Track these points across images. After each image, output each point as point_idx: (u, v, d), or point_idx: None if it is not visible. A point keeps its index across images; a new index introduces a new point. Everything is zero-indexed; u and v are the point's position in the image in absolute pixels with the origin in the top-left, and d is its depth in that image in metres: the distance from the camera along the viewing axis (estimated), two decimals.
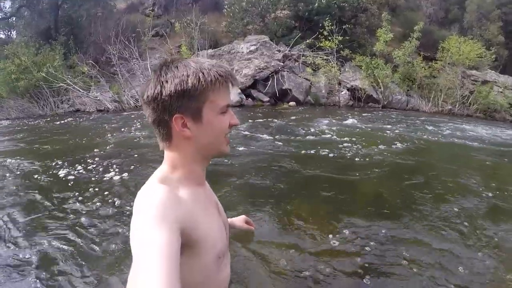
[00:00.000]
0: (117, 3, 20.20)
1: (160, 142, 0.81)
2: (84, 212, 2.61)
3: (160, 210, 0.66)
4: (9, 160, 4.30)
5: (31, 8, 19.20)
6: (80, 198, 2.88)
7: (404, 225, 2.33)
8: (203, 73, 0.74)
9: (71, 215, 2.55)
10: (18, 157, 4.37)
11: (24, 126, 9.41)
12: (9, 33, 21.80)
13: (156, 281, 0.54)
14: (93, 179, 3.40)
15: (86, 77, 14.95)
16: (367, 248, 2.00)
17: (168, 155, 0.82)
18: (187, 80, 0.73)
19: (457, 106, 13.55)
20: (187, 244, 0.68)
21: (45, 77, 14.34)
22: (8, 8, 20.16)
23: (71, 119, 10.34)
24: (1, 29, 21.60)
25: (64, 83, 14.42)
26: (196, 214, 0.77)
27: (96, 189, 3.08)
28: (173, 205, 0.70)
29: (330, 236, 2.11)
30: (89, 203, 2.76)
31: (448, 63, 14.21)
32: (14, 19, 20.81)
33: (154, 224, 0.63)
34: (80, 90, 14.48)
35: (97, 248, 2.04)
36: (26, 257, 1.98)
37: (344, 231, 2.19)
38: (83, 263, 1.89)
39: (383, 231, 2.20)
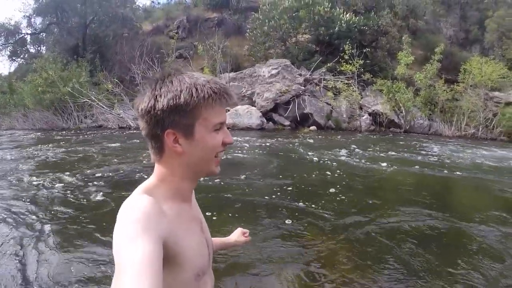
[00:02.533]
0: (143, 25, 21.00)
1: (152, 155, 0.81)
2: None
3: (144, 220, 0.66)
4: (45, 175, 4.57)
5: (60, 26, 20.20)
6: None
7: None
8: (196, 89, 0.73)
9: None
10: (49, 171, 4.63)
11: (49, 137, 9.86)
12: (39, 48, 22.76)
13: None
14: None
15: (110, 95, 15.54)
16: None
17: (157, 168, 0.81)
18: (180, 95, 0.72)
19: (480, 130, 13.34)
20: (165, 259, 0.66)
21: (70, 92, 14.97)
22: (39, 24, 21.37)
23: (94, 133, 10.77)
24: (32, 44, 22.57)
25: (89, 99, 15.03)
26: (178, 229, 0.76)
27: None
28: (156, 217, 0.69)
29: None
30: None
31: (470, 85, 14.08)
32: (44, 35, 21.87)
33: (137, 234, 0.62)
34: (104, 106, 15.04)
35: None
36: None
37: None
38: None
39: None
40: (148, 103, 0.74)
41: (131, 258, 0.58)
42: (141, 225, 0.64)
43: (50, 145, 8.00)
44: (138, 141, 8.55)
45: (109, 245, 2.46)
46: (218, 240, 1.29)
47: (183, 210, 0.82)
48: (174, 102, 0.72)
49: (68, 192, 4.01)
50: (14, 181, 4.61)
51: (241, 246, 1.39)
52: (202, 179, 0.89)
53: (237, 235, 1.34)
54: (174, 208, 0.78)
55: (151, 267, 0.58)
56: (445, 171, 5.52)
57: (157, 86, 0.74)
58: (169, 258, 0.70)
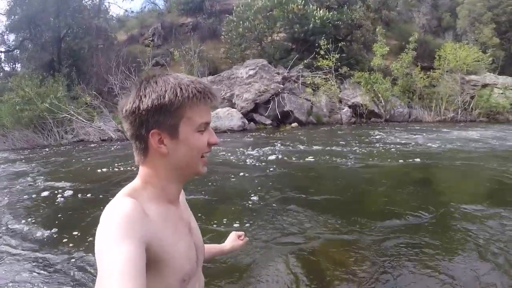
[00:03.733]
0: (118, 35, 20.74)
1: (136, 157, 0.80)
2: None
3: (126, 223, 0.64)
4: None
5: (34, 41, 19.76)
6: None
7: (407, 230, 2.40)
8: (180, 89, 0.73)
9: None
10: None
11: (29, 155, 9.62)
12: (13, 65, 22.36)
13: None
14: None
15: (89, 108, 15.27)
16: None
17: (142, 170, 0.80)
18: (165, 95, 0.72)
19: (459, 113, 13.60)
20: (149, 263, 0.65)
21: (49, 108, 14.64)
22: (12, 41, 20.89)
23: (75, 148, 10.51)
24: (6, 61, 22.10)
25: (68, 114, 14.71)
26: (163, 232, 0.74)
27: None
28: (139, 220, 0.68)
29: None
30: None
31: (446, 71, 14.33)
32: (18, 51, 21.37)
33: (119, 237, 0.61)
34: (84, 120, 14.75)
35: None
36: None
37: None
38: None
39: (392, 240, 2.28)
40: (133, 103, 0.74)
41: (112, 263, 0.57)
42: (123, 229, 0.63)
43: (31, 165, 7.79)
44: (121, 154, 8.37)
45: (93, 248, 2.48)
46: (212, 248, 1.25)
47: (169, 212, 0.81)
48: (159, 102, 0.72)
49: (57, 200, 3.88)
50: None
51: (240, 250, 1.31)
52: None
53: (232, 239, 1.29)
54: (159, 210, 0.77)
55: (133, 272, 0.56)
56: (423, 159, 5.54)
57: (142, 87, 0.74)
58: (153, 262, 0.69)
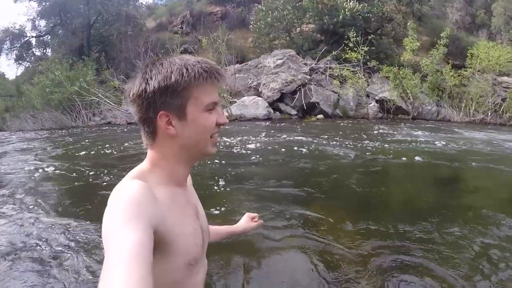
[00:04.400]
0: (147, 22, 21.09)
1: (145, 140, 0.80)
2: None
3: (134, 206, 0.64)
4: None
5: (64, 27, 20.38)
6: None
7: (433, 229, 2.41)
8: (187, 69, 0.73)
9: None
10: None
11: (59, 137, 10.01)
12: (44, 50, 23.01)
13: (126, 282, 0.52)
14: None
15: (117, 92, 15.71)
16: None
17: (150, 153, 0.80)
18: (171, 76, 0.72)
19: (489, 115, 13.19)
20: (157, 246, 0.65)
21: (78, 90, 15.18)
22: (43, 27, 21.61)
23: (103, 129, 10.81)
24: (37, 46, 22.84)
25: (96, 97, 15.20)
26: (170, 215, 0.74)
27: None
28: (147, 202, 0.67)
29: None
30: None
31: (478, 70, 13.90)
32: (48, 37, 22.09)
33: (126, 220, 0.61)
34: (111, 103, 15.20)
35: None
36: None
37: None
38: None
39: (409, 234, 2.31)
40: (139, 86, 0.74)
41: (120, 245, 0.56)
42: (131, 211, 0.63)
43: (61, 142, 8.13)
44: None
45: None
46: (223, 229, 1.25)
47: (177, 195, 0.81)
48: (165, 83, 0.72)
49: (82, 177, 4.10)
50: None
51: (253, 231, 1.30)
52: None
53: (245, 220, 1.29)
54: (167, 193, 0.77)
55: (140, 255, 0.56)
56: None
57: (148, 70, 0.75)
58: (160, 245, 0.68)
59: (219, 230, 1.23)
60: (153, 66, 0.75)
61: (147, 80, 0.73)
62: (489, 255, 2.12)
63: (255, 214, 1.30)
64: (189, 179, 0.95)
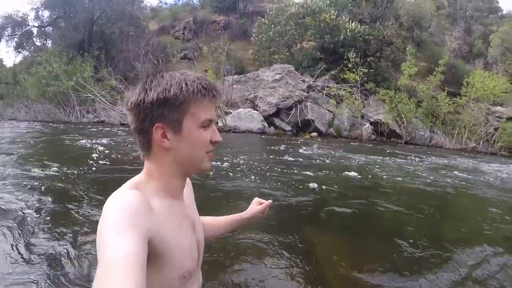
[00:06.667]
0: (150, 24, 21.12)
1: (141, 151, 0.80)
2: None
3: (129, 216, 0.64)
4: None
5: (67, 20, 20.29)
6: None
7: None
8: (186, 84, 0.73)
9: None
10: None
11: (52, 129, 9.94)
12: (44, 41, 22.90)
13: None
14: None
15: (113, 91, 15.64)
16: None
17: (146, 164, 0.80)
18: (170, 89, 0.72)
19: (481, 144, 13.36)
20: (150, 257, 0.64)
21: (74, 86, 15.05)
22: (46, 17, 21.52)
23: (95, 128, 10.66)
24: (38, 36, 22.71)
25: (92, 94, 15.10)
26: (166, 226, 0.74)
27: None
28: (142, 212, 0.67)
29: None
30: None
31: (473, 99, 14.12)
32: (50, 28, 22.01)
33: (121, 229, 0.61)
34: (107, 102, 15.11)
35: None
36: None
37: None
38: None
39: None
40: (138, 96, 0.74)
41: (113, 254, 0.57)
42: (125, 221, 0.63)
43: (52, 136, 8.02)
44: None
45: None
46: (225, 220, 1.18)
47: (174, 207, 0.80)
48: (164, 96, 0.72)
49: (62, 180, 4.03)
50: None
51: (263, 213, 1.19)
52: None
53: (254, 205, 1.20)
54: (163, 204, 0.76)
55: (134, 264, 0.56)
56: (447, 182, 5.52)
57: (148, 80, 0.75)
58: (154, 256, 0.69)
59: (219, 222, 1.16)
60: (154, 77, 0.76)
61: (146, 90, 0.74)
62: None
63: (263, 200, 1.21)
64: (190, 191, 0.96)
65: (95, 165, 5.04)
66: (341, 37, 14.58)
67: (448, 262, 2.50)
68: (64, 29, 20.30)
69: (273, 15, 16.11)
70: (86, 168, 4.80)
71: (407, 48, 14.36)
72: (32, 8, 20.89)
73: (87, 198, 3.47)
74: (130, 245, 0.58)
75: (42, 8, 20.84)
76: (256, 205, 1.19)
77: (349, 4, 16.26)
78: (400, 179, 5.52)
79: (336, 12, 15.17)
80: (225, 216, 1.19)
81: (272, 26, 15.67)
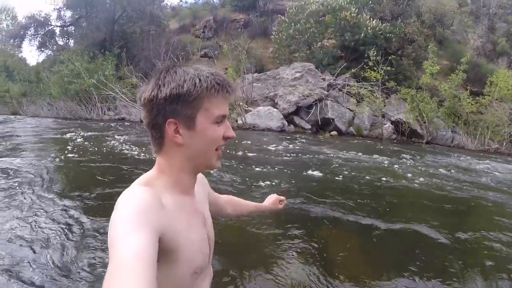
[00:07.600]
0: (170, 23, 21.41)
1: (153, 147, 0.80)
2: None
3: (141, 212, 0.65)
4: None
5: (89, 20, 20.80)
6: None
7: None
8: (199, 79, 0.73)
9: None
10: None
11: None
12: (67, 40, 23.53)
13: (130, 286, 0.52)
14: None
15: (134, 89, 15.99)
16: None
17: (158, 160, 0.81)
18: (183, 84, 0.72)
19: (504, 145, 13.07)
20: (162, 253, 0.65)
21: (95, 83, 15.51)
22: (68, 17, 22.14)
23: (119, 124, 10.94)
24: (60, 36, 23.34)
25: (113, 92, 15.50)
26: (177, 222, 0.74)
27: None
28: (154, 209, 0.68)
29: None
30: None
31: (496, 99, 13.79)
32: (72, 28, 22.60)
33: (132, 226, 0.61)
34: (127, 100, 15.48)
35: None
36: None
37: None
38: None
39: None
40: (151, 92, 0.75)
41: (125, 251, 0.57)
42: (137, 218, 0.63)
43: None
44: None
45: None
46: (249, 204, 1.30)
47: (184, 203, 0.81)
48: (177, 91, 0.73)
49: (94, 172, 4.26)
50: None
51: (281, 205, 1.37)
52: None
53: (273, 201, 1.33)
54: (174, 200, 0.77)
55: (145, 261, 0.56)
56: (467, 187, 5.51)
57: (161, 76, 0.76)
58: (165, 253, 0.69)
59: (243, 203, 1.28)
60: (167, 73, 0.76)
61: (159, 86, 0.74)
62: None
63: (283, 198, 1.35)
64: (203, 184, 0.98)
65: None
66: (362, 35, 14.47)
67: (468, 270, 2.45)
68: (86, 29, 20.86)
69: (293, 13, 16.09)
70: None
71: (429, 46, 14.06)
72: (54, 9, 21.61)
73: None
74: (141, 242, 0.59)
75: (64, 8, 21.49)
76: (275, 202, 1.31)
77: (370, 2, 16.09)
78: (422, 179, 5.53)
79: (357, 9, 15.06)
80: (247, 201, 1.30)
81: (292, 24, 15.67)
